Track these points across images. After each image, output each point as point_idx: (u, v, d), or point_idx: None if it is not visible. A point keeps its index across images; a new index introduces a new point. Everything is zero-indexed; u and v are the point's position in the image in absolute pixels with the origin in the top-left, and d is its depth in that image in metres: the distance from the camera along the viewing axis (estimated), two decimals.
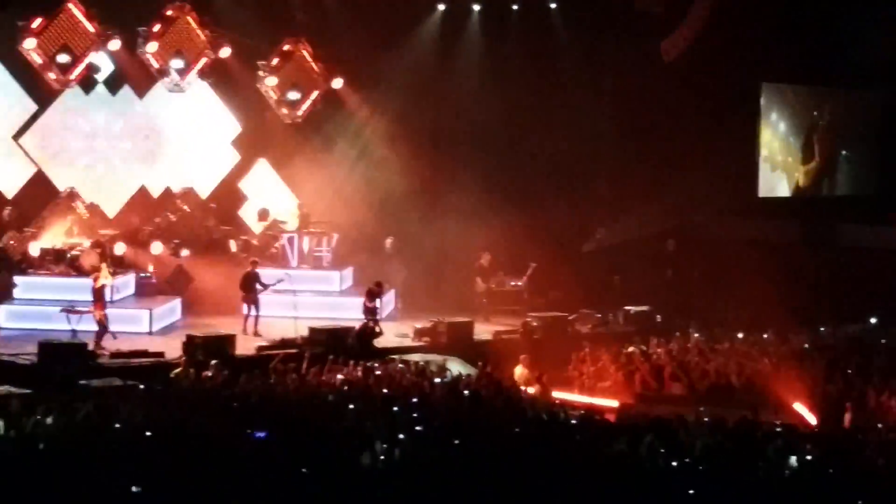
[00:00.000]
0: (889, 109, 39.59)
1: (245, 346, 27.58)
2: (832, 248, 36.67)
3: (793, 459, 17.72)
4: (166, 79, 32.77)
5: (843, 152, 40.80)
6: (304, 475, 16.02)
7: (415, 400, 21.98)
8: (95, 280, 27.97)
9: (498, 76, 35.67)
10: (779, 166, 39.59)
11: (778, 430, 20.32)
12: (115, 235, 31.84)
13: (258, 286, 29.71)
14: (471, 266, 33.41)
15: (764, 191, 39.13)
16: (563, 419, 20.93)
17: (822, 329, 31.23)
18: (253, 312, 29.43)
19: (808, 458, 17.97)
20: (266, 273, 30.37)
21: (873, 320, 32.57)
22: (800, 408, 24.78)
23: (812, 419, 24.19)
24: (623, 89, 35.86)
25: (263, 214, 34.37)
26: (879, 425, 22.37)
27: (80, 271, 30.23)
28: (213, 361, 25.10)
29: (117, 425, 18.42)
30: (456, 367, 26.56)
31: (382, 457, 16.90)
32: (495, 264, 33.56)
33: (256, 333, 29.01)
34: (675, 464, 17.26)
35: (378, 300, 29.54)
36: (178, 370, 24.85)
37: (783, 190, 39.73)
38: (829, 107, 40.15)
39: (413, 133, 34.96)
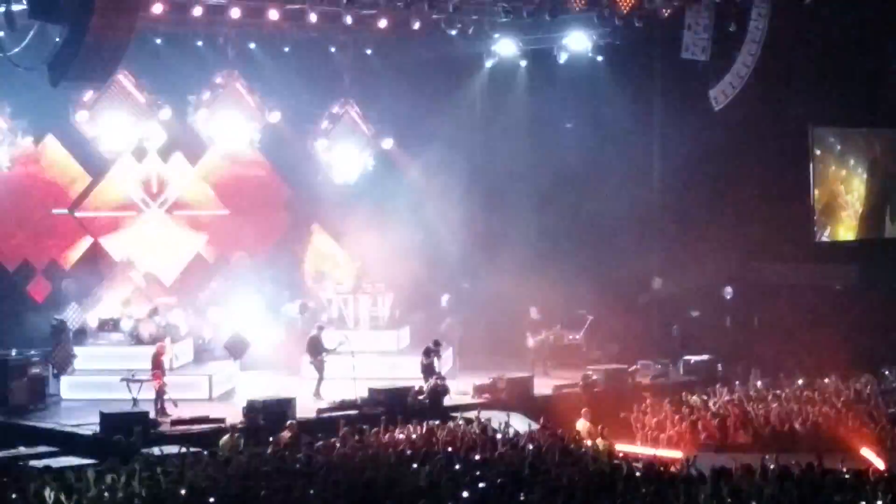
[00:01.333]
0: None
1: (305, 409, 27.57)
2: (892, 290, 36.33)
3: None
4: (215, 144, 33.01)
5: None
6: None
7: (478, 457, 21.87)
8: (160, 353, 28.07)
9: (547, 130, 35.74)
10: (839, 214, 39.26)
11: (845, 476, 20.05)
12: (172, 303, 31.99)
13: (323, 350, 29.80)
14: (523, 321, 33.37)
15: (820, 235, 38.85)
16: (627, 472, 20.75)
17: (885, 372, 30.90)
18: (316, 375, 29.47)
19: (879, 503, 17.74)
20: (325, 335, 30.43)
21: None
22: (867, 453, 24.50)
23: (880, 464, 23.89)
24: (673, 139, 35.80)
25: (319, 277, 34.41)
26: None
27: (139, 340, 30.40)
28: (291, 421, 25.15)
29: (182, 492, 18.43)
30: (517, 422, 26.43)
31: None
32: (548, 318, 33.45)
33: (318, 395, 29.02)
34: None
35: (436, 358, 29.50)
36: (226, 437, 24.79)
37: (841, 234, 39.40)
38: (882, 148, 39.86)
39: (464, 189, 34.99)
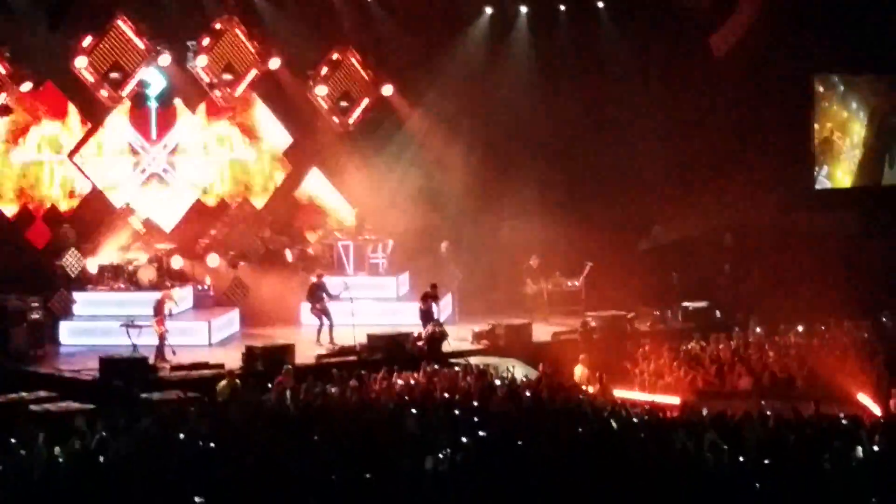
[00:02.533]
0: None
1: (304, 356, 27.64)
2: (890, 237, 36.35)
3: (859, 451, 17.56)
4: (217, 92, 32.90)
5: None
6: (368, 481, 16.01)
7: (476, 403, 21.95)
8: (163, 303, 28.11)
9: (547, 77, 35.64)
10: (837, 154, 39.23)
11: (843, 422, 20.14)
12: (171, 249, 32.04)
13: (325, 296, 29.81)
14: (522, 268, 33.42)
15: (822, 180, 38.83)
16: (625, 417, 20.83)
17: (883, 319, 30.94)
18: (325, 322, 29.51)
19: (875, 448, 17.80)
20: (327, 281, 30.46)
21: None
22: (864, 398, 24.59)
23: (877, 409, 23.98)
24: (674, 85, 35.74)
25: (318, 223, 34.41)
26: None
27: (138, 286, 30.47)
28: (287, 366, 25.25)
29: (181, 436, 18.51)
30: (516, 369, 26.51)
31: (446, 461, 16.86)
32: (545, 265, 33.48)
33: (332, 342, 29.05)
34: (739, 459, 17.13)
35: (434, 303, 29.54)
36: (223, 383, 24.87)
37: (842, 180, 39.37)
38: (882, 93, 39.78)
39: (464, 137, 34.95)
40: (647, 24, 35.62)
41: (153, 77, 32.48)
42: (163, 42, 31.79)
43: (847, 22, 35.76)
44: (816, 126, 38.29)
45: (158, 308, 27.99)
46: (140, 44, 31.56)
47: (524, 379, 25.36)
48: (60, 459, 17.37)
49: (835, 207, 37.98)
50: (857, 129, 39.34)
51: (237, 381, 24.85)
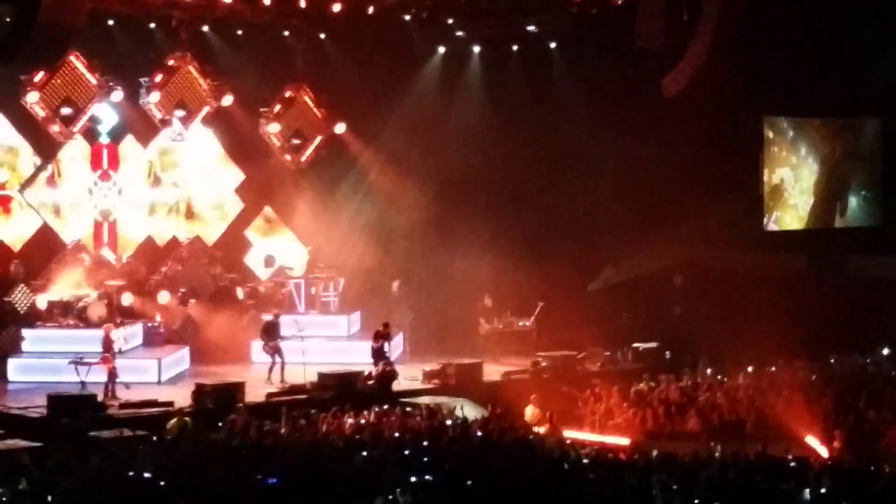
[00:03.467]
0: (893, 139, 39.57)
1: (255, 394, 27.54)
2: (839, 280, 36.63)
3: (806, 493, 17.65)
4: (169, 129, 32.84)
5: (848, 184, 40.67)
6: None
7: (426, 443, 21.92)
8: (110, 339, 27.96)
9: (500, 116, 35.77)
10: (787, 200, 39.53)
11: (791, 463, 20.24)
12: (122, 286, 31.87)
13: (278, 335, 29.77)
14: (476, 308, 33.46)
15: (771, 224, 39.09)
16: (575, 458, 20.85)
17: (831, 360, 31.14)
18: (278, 360, 29.44)
19: (822, 490, 17.90)
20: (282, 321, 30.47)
21: (885, 351, 32.46)
22: (811, 440, 24.71)
23: (823, 451, 24.10)
24: (626, 126, 35.88)
25: (269, 261, 34.38)
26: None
27: (88, 323, 30.28)
28: (240, 405, 25.17)
29: (130, 474, 18.40)
30: (466, 408, 26.50)
31: (395, 501, 16.84)
32: (499, 305, 33.55)
33: (283, 380, 28.98)
34: (688, 501, 17.19)
35: (385, 342, 29.54)
36: (174, 420, 24.74)
37: (792, 223, 39.63)
38: (832, 138, 40.13)
39: (417, 175, 35.01)
40: (598, 64, 35.79)
41: (105, 113, 32.40)
42: (115, 78, 31.72)
43: (796, 66, 36.05)
44: (766, 171, 38.57)
45: (107, 344, 27.85)
46: (92, 79, 31.47)
47: (475, 418, 25.33)
48: (4, 499, 17.23)
49: (784, 249, 38.22)
50: (806, 175, 39.64)
51: (187, 418, 24.74)
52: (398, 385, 28.96)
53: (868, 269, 37.11)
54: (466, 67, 36.29)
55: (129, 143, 33.41)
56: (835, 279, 36.63)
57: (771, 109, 38.47)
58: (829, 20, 35.66)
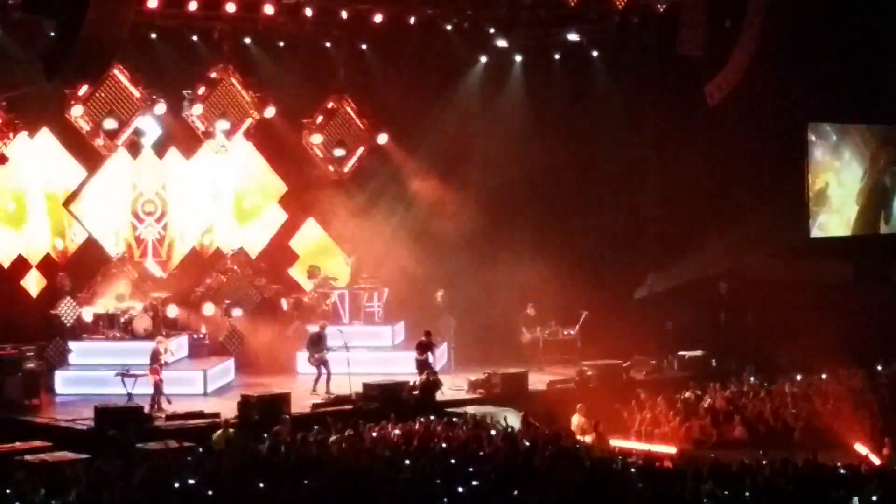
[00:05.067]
0: None
1: (300, 405, 27.58)
2: (886, 286, 36.40)
3: (856, 501, 17.53)
4: (212, 140, 32.93)
5: (893, 190, 40.38)
6: None
7: (472, 452, 21.88)
8: (158, 352, 28.06)
9: (543, 125, 35.69)
10: (831, 205, 39.30)
11: (840, 471, 20.10)
12: (166, 298, 31.98)
13: (325, 346, 29.80)
14: (519, 317, 33.43)
15: (816, 231, 38.88)
16: (622, 467, 20.78)
17: (878, 367, 30.94)
18: (324, 371, 29.48)
19: (873, 498, 17.78)
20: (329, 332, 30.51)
21: None
22: (860, 448, 24.55)
23: (874, 459, 23.94)
24: (668, 134, 35.81)
25: (313, 272, 34.43)
26: None
27: (133, 335, 30.40)
28: (285, 416, 25.26)
29: (176, 485, 18.44)
30: (511, 418, 26.45)
31: None
32: (542, 314, 33.50)
33: (328, 391, 29.02)
34: None
35: (429, 352, 29.55)
36: (219, 432, 24.80)
37: (837, 229, 39.39)
38: (876, 144, 39.89)
39: (459, 185, 35.03)
40: (641, 72, 35.73)
41: (149, 125, 32.51)
42: (158, 91, 31.84)
43: (840, 72, 35.88)
44: (810, 177, 38.37)
45: (154, 357, 27.97)
46: (136, 92, 31.57)
47: (521, 428, 25.27)
48: None
49: (829, 256, 38.00)
50: (851, 181, 39.40)
51: (232, 430, 24.80)
52: (443, 395, 28.96)
53: None
54: (508, 76, 36.25)
55: (172, 156, 33.49)
56: (881, 286, 36.39)
57: (815, 115, 38.27)
58: (873, 26, 35.49)
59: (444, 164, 35.03)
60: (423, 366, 29.24)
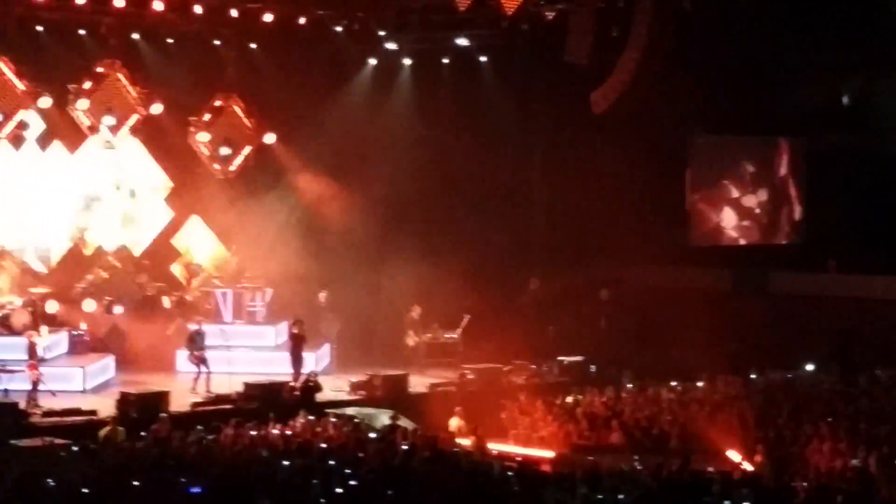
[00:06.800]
0: (815, 158, 40.03)
1: (179, 403, 27.45)
2: (763, 296, 37.02)
3: None
4: (97, 136, 32.66)
5: (774, 201, 41.06)
6: None
7: (350, 454, 21.95)
8: (34, 345, 27.75)
9: (431, 128, 35.84)
10: (708, 214, 39.89)
11: (713, 477, 20.44)
12: (46, 294, 31.64)
13: (203, 344, 29.67)
14: (404, 319, 33.55)
15: (695, 239, 39.43)
16: (499, 470, 20.95)
17: (753, 376, 31.43)
18: (203, 370, 29.34)
19: (744, 502, 18.12)
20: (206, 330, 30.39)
21: (809, 367, 32.86)
22: (733, 454, 24.94)
23: (747, 465, 24.33)
24: (555, 141, 36.13)
25: (196, 270, 34.25)
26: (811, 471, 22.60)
27: (10, 330, 30.03)
28: (163, 414, 25.11)
29: (51, 483, 18.30)
30: (391, 420, 26.53)
31: None
32: (426, 317, 33.66)
33: (209, 390, 28.90)
34: None
35: (303, 345, 29.67)
36: (106, 429, 24.63)
37: (714, 239, 39.98)
38: (758, 156, 40.55)
39: (347, 186, 35.03)
40: (529, 78, 36.02)
41: (32, 119, 32.16)
42: (44, 84, 31.51)
43: (723, 84, 36.41)
44: (690, 188, 38.94)
45: (31, 351, 27.65)
46: (20, 85, 31.25)
47: (399, 430, 25.36)
48: None
49: (710, 264, 38.54)
50: (732, 192, 40.00)
51: (120, 427, 24.64)
52: (324, 396, 28.98)
53: (790, 285, 37.54)
54: (397, 80, 36.37)
55: (56, 150, 33.16)
56: (758, 295, 37.00)
57: (697, 126, 38.79)
58: (753, 41, 36.05)
59: (332, 165, 35.02)
60: (297, 360, 29.35)
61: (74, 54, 32.38)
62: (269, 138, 34.94)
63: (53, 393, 27.32)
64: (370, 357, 32.47)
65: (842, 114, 39.39)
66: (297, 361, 29.73)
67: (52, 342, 29.64)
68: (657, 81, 34.21)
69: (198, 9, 32.21)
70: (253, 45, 34.70)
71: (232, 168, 34.82)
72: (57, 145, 33.14)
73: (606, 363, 32.40)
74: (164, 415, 25.40)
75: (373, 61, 36.09)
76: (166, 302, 33.20)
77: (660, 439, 27.30)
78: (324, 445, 22.95)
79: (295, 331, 30.19)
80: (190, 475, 19.08)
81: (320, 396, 28.86)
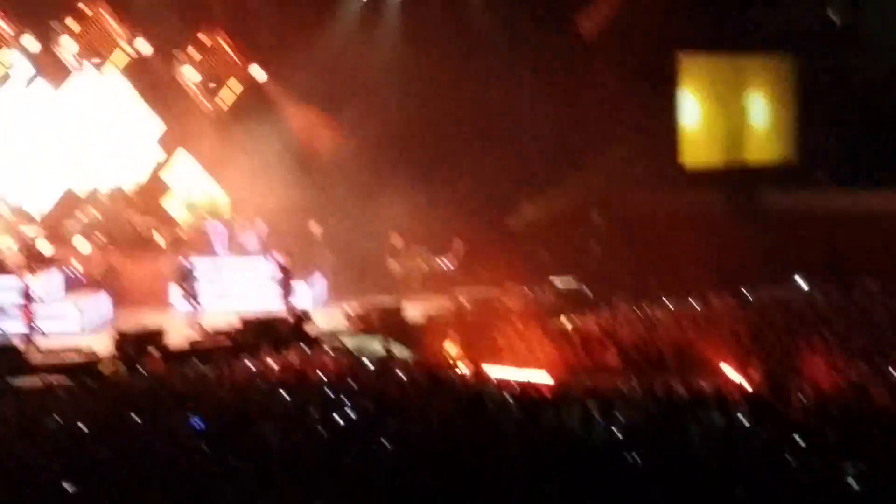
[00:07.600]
0: (805, 75, 39.95)
1: (177, 340, 27.52)
2: (755, 215, 37.03)
3: (722, 421, 17.93)
4: (82, 73, 32.51)
5: (763, 119, 41.04)
6: (236, 466, 16.03)
7: (347, 382, 22.03)
8: (29, 287, 27.80)
9: (418, 55, 35.68)
10: (701, 135, 39.85)
11: (708, 393, 20.53)
12: (40, 234, 31.63)
13: (194, 278, 29.71)
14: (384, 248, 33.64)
15: (687, 160, 39.40)
16: (497, 395, 21.02)
17: (746, 293, 31.51)
18: (196, 305, 29.42)
19: (741, 417, 18.19)
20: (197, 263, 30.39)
21: (800, 282, 32.95)
22: (728, 370, 25.05)
23: (741, 381, 24.44)
24: (543, 63, 35.98)
25: (189, 206, 34.23)
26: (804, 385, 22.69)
27: (4, 270, 30.06)
28: (159, 351, 25.16)
29: (48, 421, 18.37)
30: (385, 348, 26.63)
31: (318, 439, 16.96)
32: (415, 244, 33.68)
33: (204, 325, 28.98)
34: (611, 433, 17.41)
35: (289, 274, 29.69)
36: (104, 366, 24.69)
37: (706, 160, 39.95)
38: (746, 74, 40.45)
39: (336, 117, 34.99)
40: (517, 4, 35.84)
41: (17, 60, 32.01)
42: (27, 22, 31.33)
43: (711, 2, 36.28)
44: (680, 107, 38.85)
45: (25, 293, 27.68)
46: (5, 26, 31.08)
47: (396, 358, 25.47)
48: None
49: (701, 185, 38.53)
50: (722, 112, 39.93)
51: (120, 364, 24.72)
52: (318, 327, 29.05)
53: (782, 203, 37.56)
54: (387, 8, 36.16)
55: (41, 89, 33.03)
56: (750, 214, 37.02)
57: (686, 45, 38.65)
58: None
59: (322, 98, 34.92)
60: (287, 291, 29.36)
61: None
62: (257, 71, 34.79)
63: (45, 333, 27.33)
64: (365, 287, 32.50)
65: (833, 32, 39.21)
66: (287, 293, 29.76)
67: (46, 282, 29.63)
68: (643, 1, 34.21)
69: None
70: None
71: (220, 102, 34.67)
72: (42, 84, 32.96)
73: (600, 285, 32.47)
74: (160, 351, 25.40)
75: None
76: (159, 238, 33.20)
77: (655, 358, 27.41)
78: (321, 376, 23.02)
79: (283, 262, 30.17)
80: (188, 411, 19.13)
81: (314, 328, 28.92)
